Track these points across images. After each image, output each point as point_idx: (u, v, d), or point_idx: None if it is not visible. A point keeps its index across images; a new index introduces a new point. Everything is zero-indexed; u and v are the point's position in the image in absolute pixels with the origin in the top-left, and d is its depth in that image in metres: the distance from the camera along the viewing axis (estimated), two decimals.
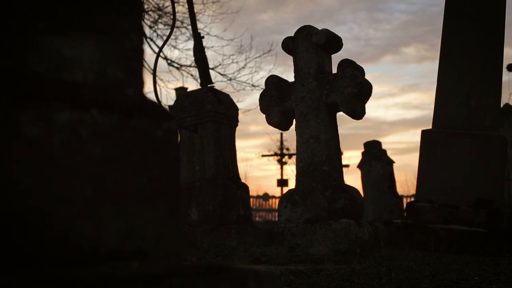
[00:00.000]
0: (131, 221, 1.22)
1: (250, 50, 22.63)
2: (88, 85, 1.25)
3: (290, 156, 21.02)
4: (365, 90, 4.14)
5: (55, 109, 1.13)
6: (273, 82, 4.51)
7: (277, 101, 4.43)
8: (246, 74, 20.99)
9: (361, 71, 4.20)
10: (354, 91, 4.10)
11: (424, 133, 5.77)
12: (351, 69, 4.17)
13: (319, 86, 4.28)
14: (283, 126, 4.47)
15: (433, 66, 54.93)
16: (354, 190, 4.28)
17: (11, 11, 1.15)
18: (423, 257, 4.51)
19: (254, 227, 6.06)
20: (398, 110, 45.12)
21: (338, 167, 4.27)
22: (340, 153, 4.35)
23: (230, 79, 13.96)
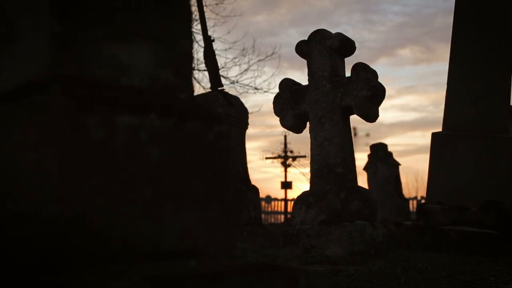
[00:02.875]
0: (187, 221, 1.27)
1: (253, 53, 22.67)
2: (144, 90, 1.29)
3: (294, 158, 21.08)
4: (379, 93, 4.19)
5: (117, 113, 1.17)
6: (287, 85, 4.55)
7: (291, 104, 4.47)
8: (248, 78, 20.97)
9: (374, 74, 4.25)
10: (368, 94, 4.14)
11: (434, 135, 5.83)
12: (365, 72, 4.22)
13: (333, 89, 4.33)
14: (297, 128, 4.52)
15: (429, 68, 54.91)
16: (368, 192, 4.33)
17: (74, 18, 1.20)
18: (435, 258, 4.55)
19: (265, 229, 6.10)
20: (396, 112, 45.09)
21: (352, 169, 4.31)
22: (354, 155, 4.40)
23: (233, 82, 14.00)
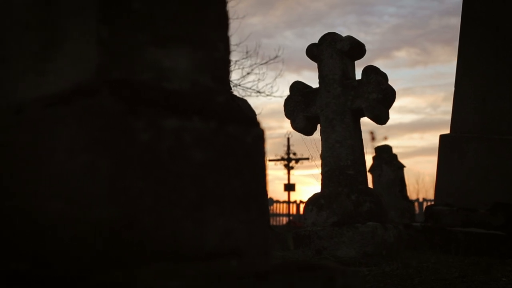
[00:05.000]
0: (228, 222, 1.30)
1: (256, 56, 22.64)
2: (184, 93, 1.32)
3: (297, 160, 21.10)
4: (389, 96, 4.23)
5: (163, 116, 1.20)
6: (297, 88, 4.59)
7: (301, 107, 4.51)
8: (250, 82, 20.95)
9: (385, 77, 4.29)
10: (379, 97, 4.18)
11: (442, 137, 5.86)
12: (376, 75, 4.26)
13: (344, 92, 4.37)
14: (308, 131, 4.56)
15: (426, 70, 54.94)
16: (379, 193, 4.36)
17: (120, 24, 1.22)
18: (445, 259, 4.58)
19: (273, 230, 6.13)
20: (393, 115, 44.96)
21: (363, 171, 4.35)
22: (365, 157, 4.44)
23: (235, 85, 14.01)
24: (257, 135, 1.38)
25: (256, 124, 1.39)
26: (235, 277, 1.11)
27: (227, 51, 1.42)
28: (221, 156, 1.30)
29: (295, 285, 1.20)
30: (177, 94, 1.31)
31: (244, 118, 1.39)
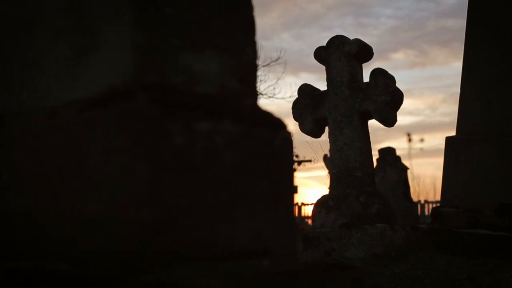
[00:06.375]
0: (257, 222, 1.32)
1: (258, 59, 22.60)
2: (215, 97, 1.35)
3: (299, 163, 21.08)
4: (397, 98, 4.26)
5: (196, 119, 1.23)
6: (305, 90, 4.63)
7: (310, 109, 4.55)
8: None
9: (392, 79, 4.32)
10: (387, 99, 4.22)
11: (447, 139, 5.89)
12: (384, 77, 4.29)
13: (352, 94, 4.40)
14: (316, 133, 4.59)
15: (423, 72, 54.72)
16: (387, 195, 4.40)
17: (154, 29, 1.25)
18: (452, 260, 4.60)
19: None
20: None
21: (371, 173, 4.38)
22: (372, 160, 4.47)
23: None
24: (284, 138, 1.41)
25: (283, 126, 1.42)
26: (268, 276, 1.14)
27: (254, 55, 1.45)
28: (250, 158, 1.32)
29: (325, 285, 1.23)
30: (208, 98, 1.34)
31: (272, 121, 1.42)
